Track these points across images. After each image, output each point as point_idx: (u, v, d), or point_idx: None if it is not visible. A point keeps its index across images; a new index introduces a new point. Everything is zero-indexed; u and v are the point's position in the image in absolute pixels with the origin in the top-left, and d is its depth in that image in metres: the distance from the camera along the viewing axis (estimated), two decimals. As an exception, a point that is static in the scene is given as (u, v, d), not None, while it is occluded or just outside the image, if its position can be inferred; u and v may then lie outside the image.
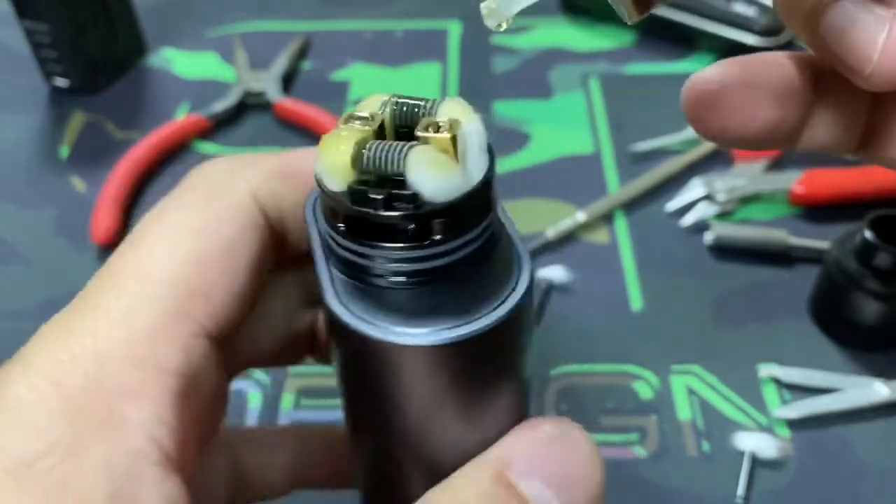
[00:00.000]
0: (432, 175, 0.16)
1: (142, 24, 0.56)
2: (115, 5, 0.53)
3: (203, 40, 0.58)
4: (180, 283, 0.19)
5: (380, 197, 0.16)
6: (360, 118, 0.17)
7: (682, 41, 0.56)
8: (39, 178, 0.48)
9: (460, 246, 0.17)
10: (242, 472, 0.25)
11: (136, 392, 0.17)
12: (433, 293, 0.17)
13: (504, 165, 0.48)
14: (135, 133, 0.51)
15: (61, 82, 0.53)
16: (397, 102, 0.18)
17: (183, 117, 0.51)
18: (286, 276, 0.23)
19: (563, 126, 0.51)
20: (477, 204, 0.17)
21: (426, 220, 0.17)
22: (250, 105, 0.53)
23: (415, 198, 0.16)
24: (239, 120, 0.52)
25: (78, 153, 0.50)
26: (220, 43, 0.58)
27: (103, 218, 0.44)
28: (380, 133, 0.17)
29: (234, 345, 0.21)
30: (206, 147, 0.50)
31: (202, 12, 0.61)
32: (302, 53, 0.57)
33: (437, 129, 0.17)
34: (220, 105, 0.51)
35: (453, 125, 0.17)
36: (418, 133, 0.17)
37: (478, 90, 0.54)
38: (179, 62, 0.57)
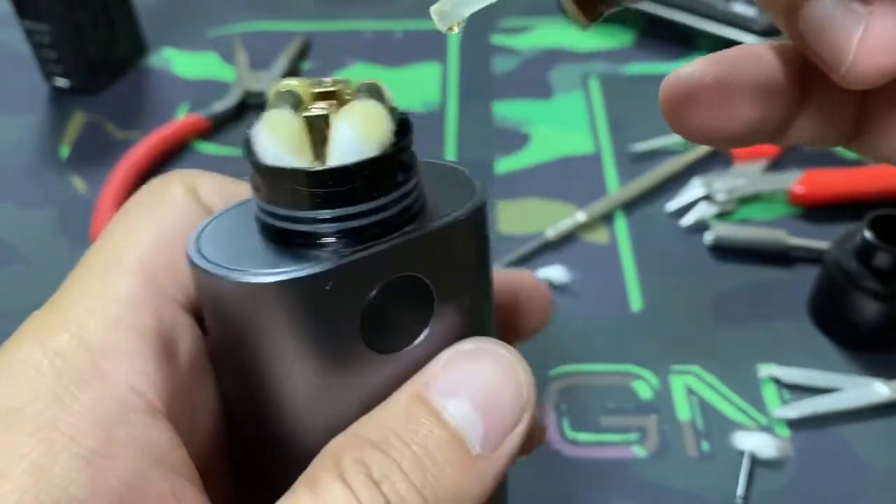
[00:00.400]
0: (263, 133, 0.17)
1: (142, 24, 0.57)
2: (115, 5, 0.53)
3: (203, 40, 0.58)
4: (147, 260, 0.20)
5: (249, 131, 0.18)
6: (332, 81, 0.18)
7: (682, 41, 0.56)
8: (40, 178, 0.48)
9: (277, 214, 0.18)
10: None
11: (116, 350, 0.18)
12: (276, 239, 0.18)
13: (504, 165, 0.48)
14: (135, 133, 0.51)
15: (61, 82, 0.53)
16: (368, 86, 0.18)
17: (183, 117, 0.51)
18: None
19: (563, 126, 0.51)
20: (299, 185, 0.17)
21: (253, 167, 0.18)
22: (250, 105, 0.53)
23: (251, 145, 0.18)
24: (239, 120, 0.52)
25: (78, 153, 0.50)
26: (220, 43, 0.58)
27: (103, 218, 0.44)
28: (335, 99, 0.18)
29: None
30: (206, 147, 0.50)
31: (202, 12, 0.61)
32: (302, 53, 0.57)
33: (315, 106, 0.18)
34: (220, 105, 0.51)
35: (330, 114, 0.17)
36: (307, 103, 0.18)
37: (478, 90, 0.54)
38: (179, 62, 0.57)
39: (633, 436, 0.35)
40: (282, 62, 0.55)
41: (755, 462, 0.34)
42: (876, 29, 0.17)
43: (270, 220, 0.18)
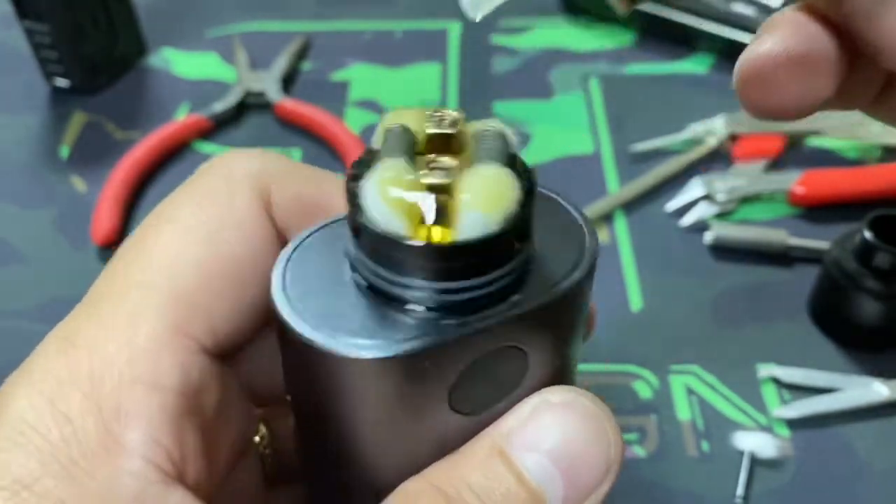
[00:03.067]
0: (376, 197, 0.16)
1: (142, 24, 0.57)
2: (115, 5, 0.53)
3: (203, 40, 0.58)
4: (182, 296, 0.18)
5: (356, 183, 0.16)
6: (449, 118, 0.17)
7: (682, 41, 0.56)
8: (40, 178, 0.48)
9: (374, 272, 0.17)
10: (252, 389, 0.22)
11: (132, 413, 0.17)
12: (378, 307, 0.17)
13: (504, 165, 0.48)
14: (135, 133, 0.51)
15: (62, 82, 0.53)
16: (493, 140, 0.17)
17: (183, 117, 0.51)
18: None
19: (563, 126, 0.51)
20: (390, 252, 0.16)
21: (353, 227, 0.17)
22: (250, 105, 0.53)
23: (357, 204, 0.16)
24: (239, 120, 0.52)
25: (78, 153, 0.50)
26: (220, 43, 0.58)
27: (103, 218, 0.44)
28: (444, 142, 0.17)
29: (252, 362, 0.21)
30: (206, 147, 0.50)
31: (202, 12, 0.61)
32: (302, 53, 0.57)
33: (431, 183, 0.16)
34: (221, 105, 0.51)
35: (451, 185, 0.16)
36: (421, 145, 0.17)
37: (478, 90, 0.54)
38: (179, 62, 0.57)
39: (632, 436, 0.35)
40: (282, 62, 0.55)
41: (755, 462, 0.34)
42: None
43: (371, 278, 0.17)
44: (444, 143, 0.17)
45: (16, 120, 0.52)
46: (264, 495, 0.23)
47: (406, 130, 0.17)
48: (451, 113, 0.17)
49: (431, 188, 0.16)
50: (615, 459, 0.18)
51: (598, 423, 0.18)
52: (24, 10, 0.50)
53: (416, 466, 0.18)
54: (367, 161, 0.17)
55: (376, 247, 0.16)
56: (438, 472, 0.18)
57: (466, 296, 0.16)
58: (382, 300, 0.17)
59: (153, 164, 0.48)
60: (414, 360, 0.16)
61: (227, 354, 0.20)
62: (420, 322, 0.17)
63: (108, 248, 0.43)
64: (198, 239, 0.19)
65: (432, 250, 0.16)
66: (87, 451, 0.16)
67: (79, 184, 0.48)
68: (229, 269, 0.19)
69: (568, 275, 0.18)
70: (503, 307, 0.17)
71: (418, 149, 0.17)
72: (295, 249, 0.18)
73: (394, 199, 0.15)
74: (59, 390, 0.17)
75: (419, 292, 0.16)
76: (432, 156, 0.16)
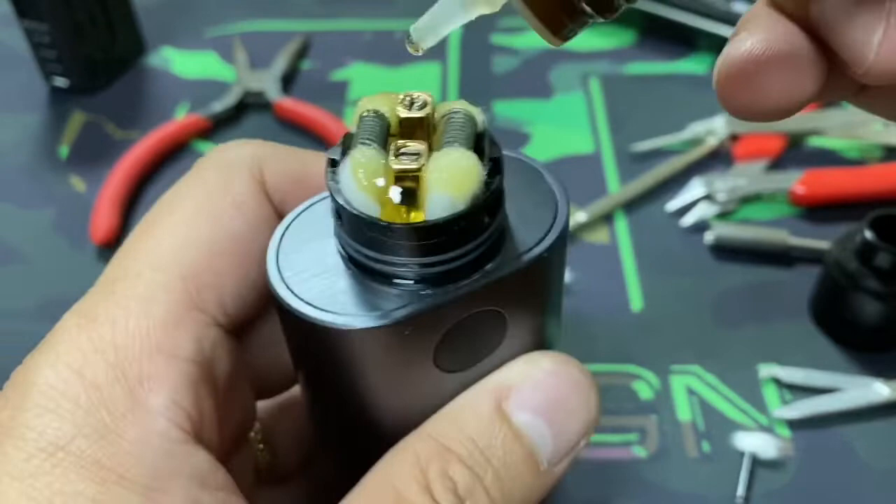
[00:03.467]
0: (350, 182, 0.17)
1: (141, 24, 0.56)
2: (115, 5, 0.53)
3: (203, 40, 0.58)
4: (191, 274, 0.20)
5: (334, 169, 0.18)
6: (420, 101, 0.18)
7: (682, 41, 0.56)
8: (39, 178, 0.48)
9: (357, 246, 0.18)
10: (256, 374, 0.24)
11: (154, 380, 0.18)
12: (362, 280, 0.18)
13: (504, 165, 0.48)
14: (134, 133, 0.51)
15: (61, 82, 0.53)
16: (461, 123, 0.18)
17: (182, 117, 0.51)
18: None
19: (563, 126, 0.51)
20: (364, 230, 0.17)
21: (334, 209, 0.18)
22: (250, 105, 0.53)
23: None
24: (239, 120, 0.52)
25: (77, 153, 0.50)
26: (220, 43, 0.58)
27: (103, 218, 0.44)
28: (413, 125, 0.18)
29: (259, 337, 0.22)
30: (205, 147, 0.50)
31: (202, 12, 0.61)
32: (302, 53, 0.57)
33: (406, 164, 0.17)
34: (220, 105, 0.51)
35: (420, 169, 0.17)
36: (392, 151, 0.17)
37: (478, 90, 0.53)
38: (179, 62, 0.56)
39: (633, 436, 0.35)
40: (281, 62, 0.55)
41: (755, 462, 0.34)
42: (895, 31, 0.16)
43: (354, 255, 0.18)
44: (415, 126, 0.18)
45: (15, 120, 0.52)
46: (255, 495, 0.24)
47: (378, 115, 0.18)
48: (422, 96, 0.18)
49: (401, 173, 0.17)
50: (594, 421, 0.20)
51: (586, 392, 0.20)
52: (23, 9, 0.50)
53: (411, 415, 0.20)
54: (343, 147, 0.18)
55: (355, 227, 0.18)
56: (442, 428, 0.19)
57: (442, 268, 0.18)
58: (367, 273, 0.18)
59: (152, 163, 0.48)
60: (399, 327, 0.18)
61: (237, 328, 0.21)
62: (402, 293, 0.18)
63: (108, 247, 0.43)
64: (201, 222, 0.20)
65: (402, 230, 0.17)
66: (116, 414, 0.17)
67: (78, 184, 0.48)
68: (233, 247, 0.20)
69: (541, 240, 0.19)
70: (478, 276, 0.18)
71: (392, 131, 0.18)
72: (286, 229, 0.20)
73: (366, 184, 0.17)
74: (86, 361, 0.18)
75: (397, 268, 0.18)
76: (403, 141, 0.17)
